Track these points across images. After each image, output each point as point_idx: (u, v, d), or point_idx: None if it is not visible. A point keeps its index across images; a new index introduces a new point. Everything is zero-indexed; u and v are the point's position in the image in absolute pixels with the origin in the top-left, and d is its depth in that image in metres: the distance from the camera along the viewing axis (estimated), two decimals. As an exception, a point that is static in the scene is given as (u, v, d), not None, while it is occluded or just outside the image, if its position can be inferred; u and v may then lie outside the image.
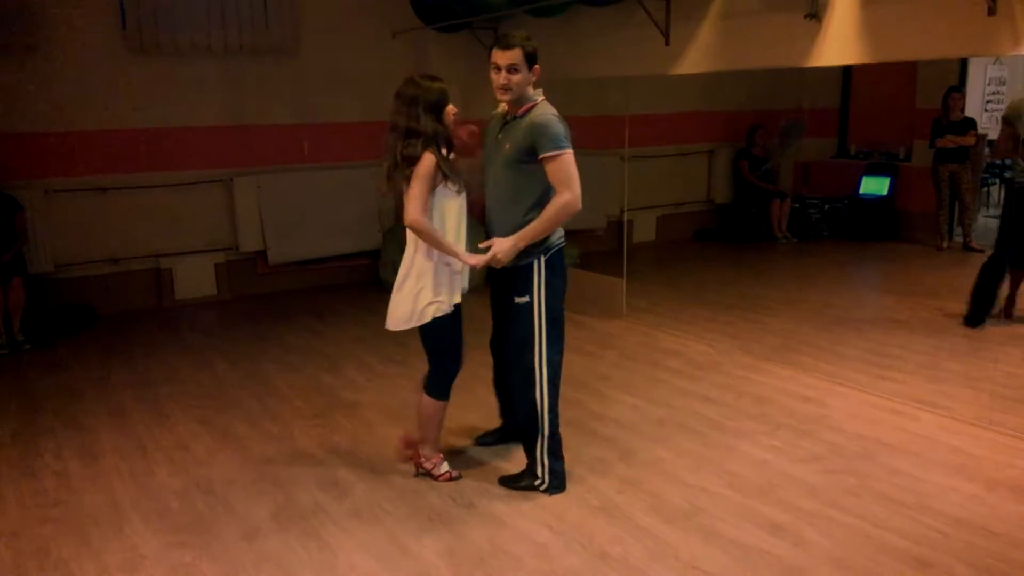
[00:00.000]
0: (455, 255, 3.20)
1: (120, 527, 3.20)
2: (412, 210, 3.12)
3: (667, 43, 5.18)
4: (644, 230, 8.65)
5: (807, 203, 8.97)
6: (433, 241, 3.17)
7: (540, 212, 3.19)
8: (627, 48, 5.51)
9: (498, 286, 3.46)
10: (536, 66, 3.22)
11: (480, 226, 3.42)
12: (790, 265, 7.91)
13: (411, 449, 3.57)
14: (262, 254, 6.89)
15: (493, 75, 3.20)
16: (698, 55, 5.05)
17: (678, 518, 3.17)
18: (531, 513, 3.23)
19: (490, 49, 3.25)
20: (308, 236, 6.95)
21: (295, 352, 5.40)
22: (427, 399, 3.42)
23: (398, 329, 3.35)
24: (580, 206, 3.20)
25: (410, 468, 3.61)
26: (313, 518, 3.23)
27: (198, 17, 6.27)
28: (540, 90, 3.30)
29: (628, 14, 5.28)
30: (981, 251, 7.48)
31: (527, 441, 3.44)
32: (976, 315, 5.41)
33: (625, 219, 7.13)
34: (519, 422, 3.49)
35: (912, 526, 3.06)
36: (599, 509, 3.25)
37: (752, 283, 7.08)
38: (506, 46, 3.17)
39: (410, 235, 3.24)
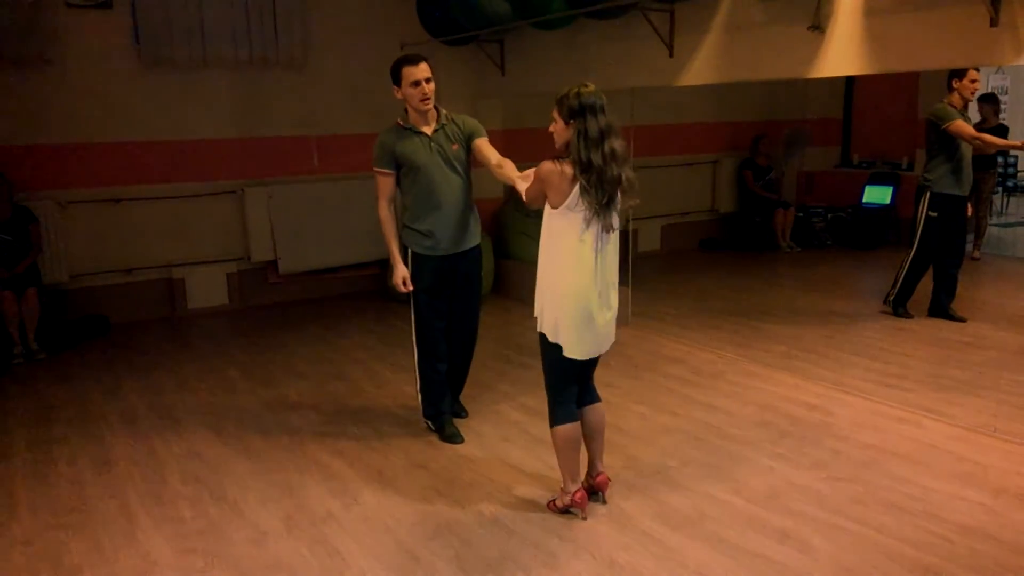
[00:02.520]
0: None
1: (132, 534, 3.25)
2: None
3: (671, 55, 5.23)
4: (649, 239, 8.69)
5: (811, 212, 9.01)
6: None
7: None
8: (631, 60, 5.56)
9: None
10: None
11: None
12: (794, 273, 7.94)
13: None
14: (273, 264, 6.96)
15: (413, 90, 3.73)
16: (702, 67, 5.10)
17: (685, 525, 3.20)
18: (539, 521, 3.26)
19: (400, 68, 3.79)
20: (318, 246, 7.02)
21: (305, 360, 5.45)
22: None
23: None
24: None
25: (418, 475, 3.65)
26: (323, 525, 3.27)
27: (210, 31, 6.36)
28: None
29: (632, 26, 5.33)
30: (978, 259, 7.55)
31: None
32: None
33: (630, 228, 7.17)
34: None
35: (918, 534, 3.08)
36: (606, 516, 3.28)
37: (756, 291, 7.11)
38: (418, 61, 3.78)
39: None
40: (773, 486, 3.50)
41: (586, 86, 3.01)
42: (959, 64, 4.68)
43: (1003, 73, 8.17)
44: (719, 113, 8.99)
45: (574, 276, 3.04)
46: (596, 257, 3.04)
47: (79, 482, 3.72)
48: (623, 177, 2.99)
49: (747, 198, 8.99)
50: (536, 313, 3.18)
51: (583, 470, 3.35)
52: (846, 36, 4.29)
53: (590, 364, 3.26)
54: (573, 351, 3.11)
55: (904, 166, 8.82)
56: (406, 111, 3.90)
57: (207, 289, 6.74)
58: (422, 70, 3.76)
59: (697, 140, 8.99)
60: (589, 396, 3.33)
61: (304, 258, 7.01)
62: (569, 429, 3.21)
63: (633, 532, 3.15)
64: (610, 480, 3.41)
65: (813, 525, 3.16)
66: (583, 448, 3.30)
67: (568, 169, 2.97)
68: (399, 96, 3.86)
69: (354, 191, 7.14)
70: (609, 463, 3.74)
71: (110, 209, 6.35)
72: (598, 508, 3.34)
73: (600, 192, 2.94)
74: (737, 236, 9.07)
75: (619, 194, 3.02)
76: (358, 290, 7.34)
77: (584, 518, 3.24)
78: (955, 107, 5.50)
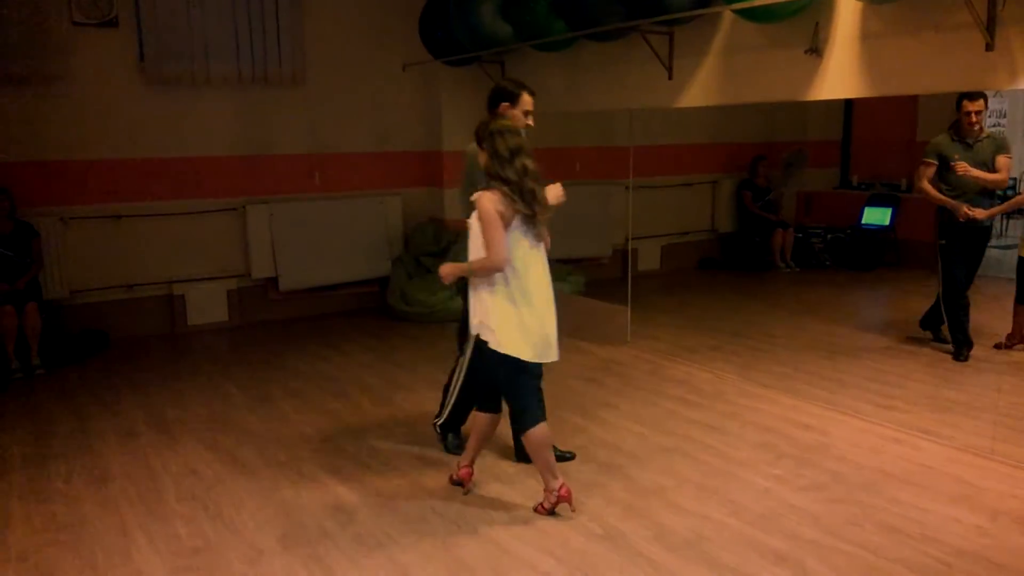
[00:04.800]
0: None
1: (128, 552, 3.24)
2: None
3: (670, 77, 5.28)
4: (649, 259, 8.71)
5: (810, 233, 9.04)
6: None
7: None
8: (631, 82, 5.61)
9: None
10: None
11: None
12: (793, 294, 7.95)
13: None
14: (273, 281, 6.98)
15: (524, 117, 3.72)
16: (701, 89, 5.14)
17: (681, 547, 3.19)
18: (534, 540, 3.26)
19: (518, 95, 3.74)
20: (319, 263, 7.04)
21: (303, 378, 5.46)
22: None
23: None
24: None
25: (414, 493, 3.65)
26: (318, 544, 3.27)
27: (213, 50, 6.42)
28: None
29: (632, 49, 5.39)
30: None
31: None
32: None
33: (630, 248, 7.19)
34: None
35: (915, 556, 3.08)
36: (602, 537, 3.27)
37: (755, 312, 7.12)
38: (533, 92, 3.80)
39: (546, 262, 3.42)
40: (770, 507, 3.49)
41: (494, 118, 3.45)
42: (955, 88, 4.71)
43: (1002, 96, 8.21)
44: (718, 134, 9.04)
45: (533, 287, 3.32)
46: (539, 266, 3.35)
47: (75, 498, 3.72)
48: (537, 193, 3.28)
49: (746, 218, 9.02)
50: (486, 334, 3.34)
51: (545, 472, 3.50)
52: (843, 60, 4.33)
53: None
54: (531, 355, 3.34)
55: (903, 188, 8.86)
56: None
57: (207, 305, 6.76)
58: (533, 102, 3.81)
59: (697, 161, 9.04)
60: (499, 404, 3.58)
61: (305, 275, 7.04)
62: (541, 429, 3.40)
63: (629, 553, 3.15)
64: (472, 474, 3.65)
65: (810, 547, 3.16)
66: (474, 439, 3.62)
67: (497, 193, 3.25)
68: (512, 112, 3.74)
69: (355, 209, 7.19)
70: (606, 483, 3.75)
71: (111, 225, 6.38)
72: (594, 528, 3.34)
73: (524, 203, 3.24)
74: (736, 256, 9.10)
75: (543, 207, 3.30)
76: (358, 307, 7.35)
77: (573, 510, 3.41)
78: (958, 137, 5.32)
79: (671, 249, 8.94)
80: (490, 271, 3.26)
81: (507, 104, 3.72)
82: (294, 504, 3.62)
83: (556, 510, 3.44)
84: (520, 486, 3.73)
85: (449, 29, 6.22)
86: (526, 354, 3.32)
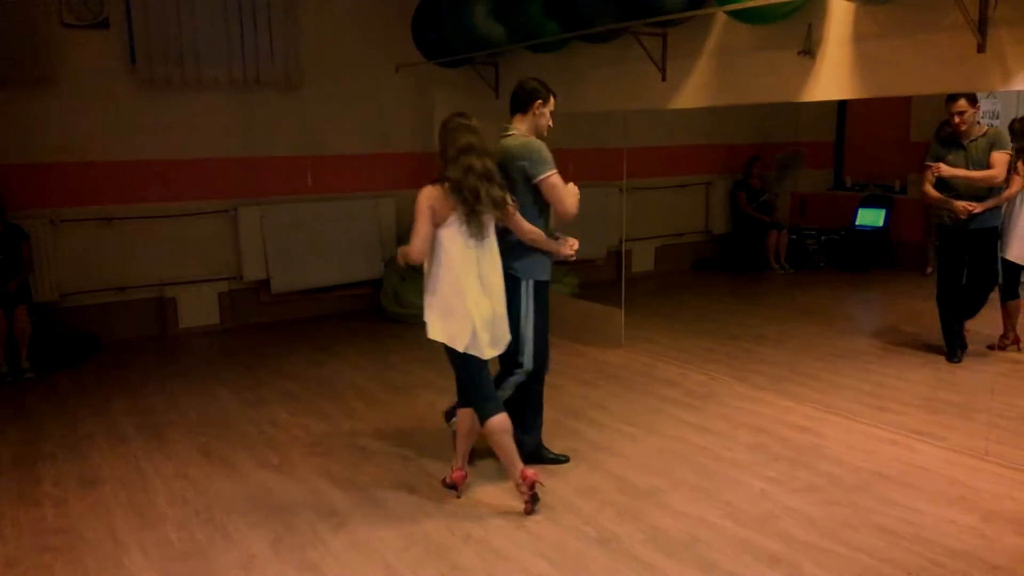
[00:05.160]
0: (547, 245, 3.66)
1: (118, 556, 3.21)
2: (522, 226, 3.56)
3: (663, 78, 5.27)
4: (643, 260, 8.71)
5: (804, 234, 9.05)
6: (541, 240, 3.63)
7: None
8: (624, 83, 5.60)
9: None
10: None
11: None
12: (787, 295, 7.96)
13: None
14: (265, 283, 6.95)
15: (550, 118, 3.76)
16: (694, 90, 5.14)
17: (676, 549, 3.17)
18: (529, 544, 3.24)
19: (550, 95, 3.73)
20: (311, 265, 7.01)
21: (296, 381, 5.43)
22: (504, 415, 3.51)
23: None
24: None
25: (407, 497, 3.64)
26: (311, 548, 3.24)
27: (205, 51, 6.39)
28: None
29: (625, 50, 5.38)
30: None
31: None
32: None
33: (624, 249, 7.18)
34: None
35: (909, 558, 3.07)
36: (597, 541, 3.26)
37: (750, 313, 7.12)
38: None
39: (495, 262, 3.48)
40: (765, 509, 3.48)
41: (459, 115, 3.47)
42: (948, 89, 4.71)
43: (994, 98, 8.24)
44: (712, 135, 9.05)
45: (467, 281, 3.37)
46: (477, 262, 3.40)
47: (65, 503, 3.68)
48: (480, 192, 3.31)
49: (741, 220, 9.03)
50: (441, 331, 3.41)
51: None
52: (836, 61, 4.32)
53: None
54: (462, 346, 3.39)
55: (897, 189, 8.88)
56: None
57: (199, 308, 6.72)
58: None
59: (691, 162, 9.04)
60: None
61: (297, 277, 7.00)
62: (496, 421, 3.44)
63: (624, 556, 3.13)
64: (466, 476, 3.67)
65: (804, 549, 3.15)
66: (459, 438, 3.68)
67: (437, 189, 3.35)
68: (543, 111, 3.73)
69: (348, 211, 7.16)
70: (600, 486, 3.74)
71: (102, 228, 6.34)
72: (589, 531, 3.32)
73: (463, 202, 3.31)
74: (731, 257, 9.10)
75: (485, 206, 3.35)
76: (351, 310, 7.33)
77: (543, 484, 3.50)
78: (949, 139, 5.24)
79: (665, 251, 8.94)
80: (409, 260, 3.39)
81: (540, 102, 3.70)
82: (286, 508, 3.59)
83: (537, 501, 3.47)
84: (514, 490, 3.71)
85: (442, 31, 6.20)
86: (458, 344, 3.39)
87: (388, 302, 7.06)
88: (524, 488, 3.44)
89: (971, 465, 3.88)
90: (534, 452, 3.90)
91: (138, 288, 6.54)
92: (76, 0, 6.00)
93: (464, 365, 3.45)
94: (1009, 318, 5.51)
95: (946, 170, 5.16)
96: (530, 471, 3.45)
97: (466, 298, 3.37)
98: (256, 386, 5.33)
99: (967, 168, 5.13)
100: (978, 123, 5.21)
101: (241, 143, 6.79)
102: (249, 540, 3.31)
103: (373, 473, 3.95)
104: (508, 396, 3.73)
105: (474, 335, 3.39)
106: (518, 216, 3.55)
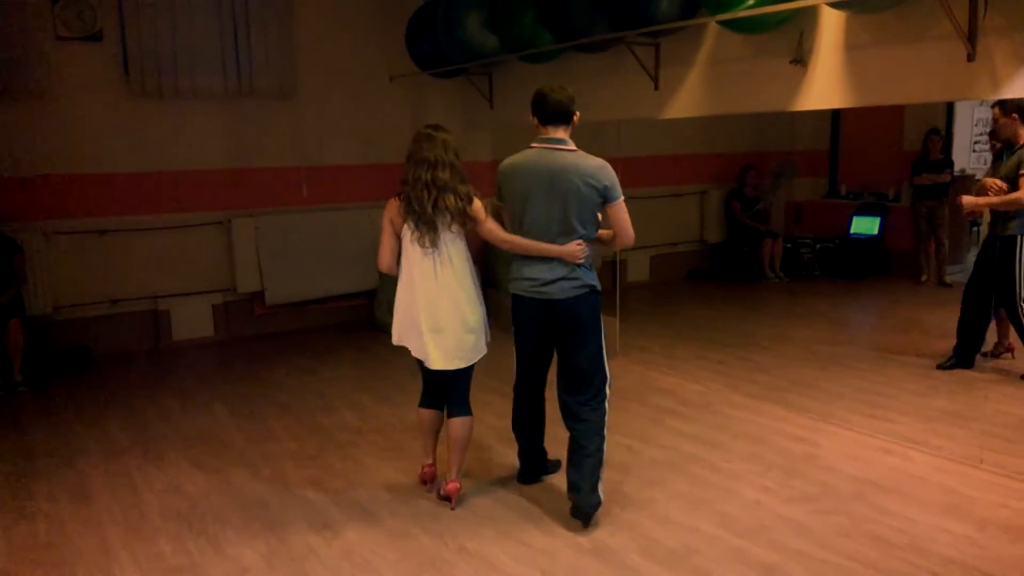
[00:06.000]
0: (547, 251, 3.45)
1: (111, 570, 3.19)
2: (502, 234, 3.51)
3: (656, 88, 5.29)
4: (638, 270, 8.71)
5: (799, 243, 9.06)
6: (523, 247, 3.47)
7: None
8: (618, 93, 5.62)
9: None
10: (532, 114, 3.60)
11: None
12: (782, 304, 7.96)
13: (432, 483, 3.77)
14: (259, 295, 6.94)
15: None
16: (687, 99, 5.16)
17: (671, 560, 3.16)
18: (523, 556, 3.22)
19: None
20: (305, 277, 7.00)
21: (290, 393, 5.41)
22: (468, 419, 3.62)
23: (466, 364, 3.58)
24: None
25: (400, 509, 3.62)
26: (304, 561, 3.23)
27: (198, 62, 6.39)
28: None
29: (618, 60, 5.40)
30: (950, 286, 7.64)
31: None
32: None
33: (619, 259, 7.19)
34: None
35: (904, 567, 3.06)
36: (591, 552, 3.25)
37: (745, 322, 7.12)
38: None
39: (472, 272, 3.52)
40: (760, 519, 3.47)
41: (427, 126, 3.52)
42: (938, 98, 4.73)
43: (987, 105, 8.28)
44: (706, 145, 9.07)
45: (423, 287, 3.46)
46: (434, 270, 3.45)
47: (58, 517, 3.66)
48: (424, 200, 3.37)
49: (735, 229, 9.04)
50: (396, 335, 3.58)
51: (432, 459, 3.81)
52: (827, 70, 4.34)
53: (441, 375, 3.57)
54: (428, 357, 3.51)
55: (891, 197, 8.91)
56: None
57: (192, 320, 6.71)
58: None
59: (685, 171, 9.06)
60: (451, 409, 3.65)
61: (291, 289, 6.99)
62: (419, 413, 3.76)
63: (618, 567, 3.12)
64: (459, 488, 3.65)
65: (799, 559, 3.14)
66: (433, 440, 3.80)
67: (397, 200, 3.50)
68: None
69: (342, 221, 7.16)
70: (594, 496, 3.72)
71: (95, 240, 6.33)
72: (583, 543, 3.31)
73: (411, 211, 3.41)
74: (725, 267, 9.11)
75: (436, 215, 3.40)
76: (345, 321, 7.31)
77: (452, 508, 3.62)
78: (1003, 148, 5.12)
79: (660, 260, 8.95)
80: (379, 269, 3.60)
81: (577, 112, 3.56)
82: (279, 520, 3.58)
83: (447, 500, 3.65)
84: (507, 501, 3.70)
85: (436, 41, 6.22)
86: (408, 346, 3.55)
87: (382, 313, 7.04)
88: (441, 492, 3.65)
89: (965, 473, 3.88)
90: (541, 466, 3.90)
91: (132, 300, 6.52)
92: (70, 13, 6.01)
93: (467, 371, 3.58)
94: (1003, 326, 5.52)
95: (967, 201, 5.08)
96: (454, 487, 3.61)
97: (417, 305, 3.45)
98: (250, 398, 5.31)
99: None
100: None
101: (235, 154, 6.79)
102: (242, 553, 3.29)
103: (367, 485, 3.93)
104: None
105: (421, 341, 3.47)
106: (489, 224, 3.52)
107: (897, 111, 8.60)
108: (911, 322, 6.83)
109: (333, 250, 7.06)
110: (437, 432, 3.80)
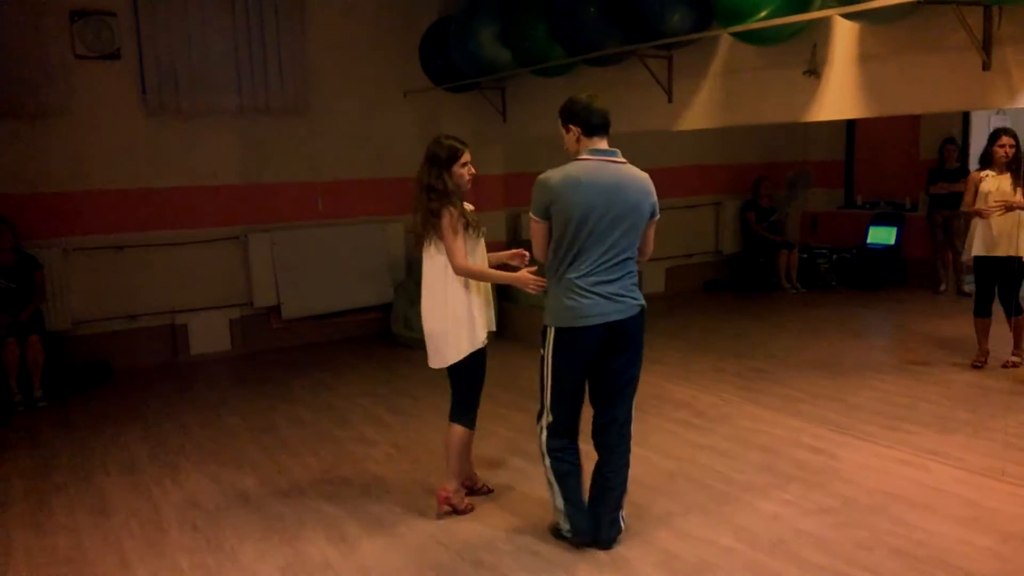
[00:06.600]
0: (513, 280, 3.52)
1: (129, 585, 3.21)
2: (458, 260, 3.46)
3: (670, 100, 5.30)
4: (654, 281, 8.69)
5: (815, 253, 9.02)
6: (485, 277, 3.59)
7: None
8: (631, 105, 5.61)
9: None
10: (569, 124, 3.38)
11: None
12: (798, 315, 7.90)
13: (449, 505, 3.70)
14: (276, 309, 6.98)
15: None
16: (700, 111, 5.16)
17: (688, 574, 3.14)
18: (539, 569, 3.21)
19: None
20: (321, 291, 7.04)
21: (306, 406, 5.43)
22: (458, 428, 3.66)
23: (445, 366, 3.63)
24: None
25: (417, 522, 3.62)
26: (321, 574, 3.23)
27: (215, 79, 6.47)
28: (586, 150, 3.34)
29: (631, 72, 5.41)
30: (969, 295, 7.57)
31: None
32: None
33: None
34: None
35: (925, 581, 3.03)
36: (608, 564, 3.23)
37: (761, 333, 7.08)
38: None
39: (441, 281, 3.55)
40: (778, 532, 3.44)
41: (447, 136, 3.67)
42: (954, 108, 4.72)
43: (1004, 114, 8.22)
44: (721, 156, 9.06)
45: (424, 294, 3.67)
46: (426, 282, 3.62)
47: (76, 532, 3.69)
48: (415, 204, 3.55)
49: (751, 239, 9.01)
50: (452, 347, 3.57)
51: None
52: (841, 81, 4.34)
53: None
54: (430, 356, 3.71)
55: (908, 207, 8.86)
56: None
57: (210, 335, 6.75)
58: None
59: (699, 183, 9.05)
60: (450, 415, 3.73)
61: (307, 303, 7.03)
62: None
63: (635, 581, 3.10)
64: (447, 495, 3.67)
65: (818, 572, 3.11)
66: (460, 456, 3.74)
67: None
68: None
69: (357, 236, 7.20)
70: (611, 509, 3.70)
71: (114, 256, 6.40)
72: (601, 556, 3.29)
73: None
74: (741, 278, 9.07)
75: (427, 224, 3.51)
76: (361, 335, 7.34)
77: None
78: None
79: (676, 271, 8.93)
80: None
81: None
82: (297, 534, 3.58)
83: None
84: (524, 514, 3.69)
85: (449, 56, 6.26)
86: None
87: (398, 327, 7.07)
88: (440, 500, 3.69)
89: (986, 485, 3.83)
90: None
91: (149, 315, 6.58)
92: (89, 32, 6.10)
93: (460, 378, 3.68)
94: (1017, 333, 5.50)
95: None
96: (440, 495, 3.68)
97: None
98: (267, 412, 5.34)
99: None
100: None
101: (251, 170, 6.85)
102: (259, 567, 3.30)
103: (383, 498, 3.93)
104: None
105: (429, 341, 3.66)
106: (452, 243, 3.44)
107: (913, 120, 8.56)
108: (929, 332, 6.76)
109: (349, 264, 7.10)
110: (466, 447, 3.78)
